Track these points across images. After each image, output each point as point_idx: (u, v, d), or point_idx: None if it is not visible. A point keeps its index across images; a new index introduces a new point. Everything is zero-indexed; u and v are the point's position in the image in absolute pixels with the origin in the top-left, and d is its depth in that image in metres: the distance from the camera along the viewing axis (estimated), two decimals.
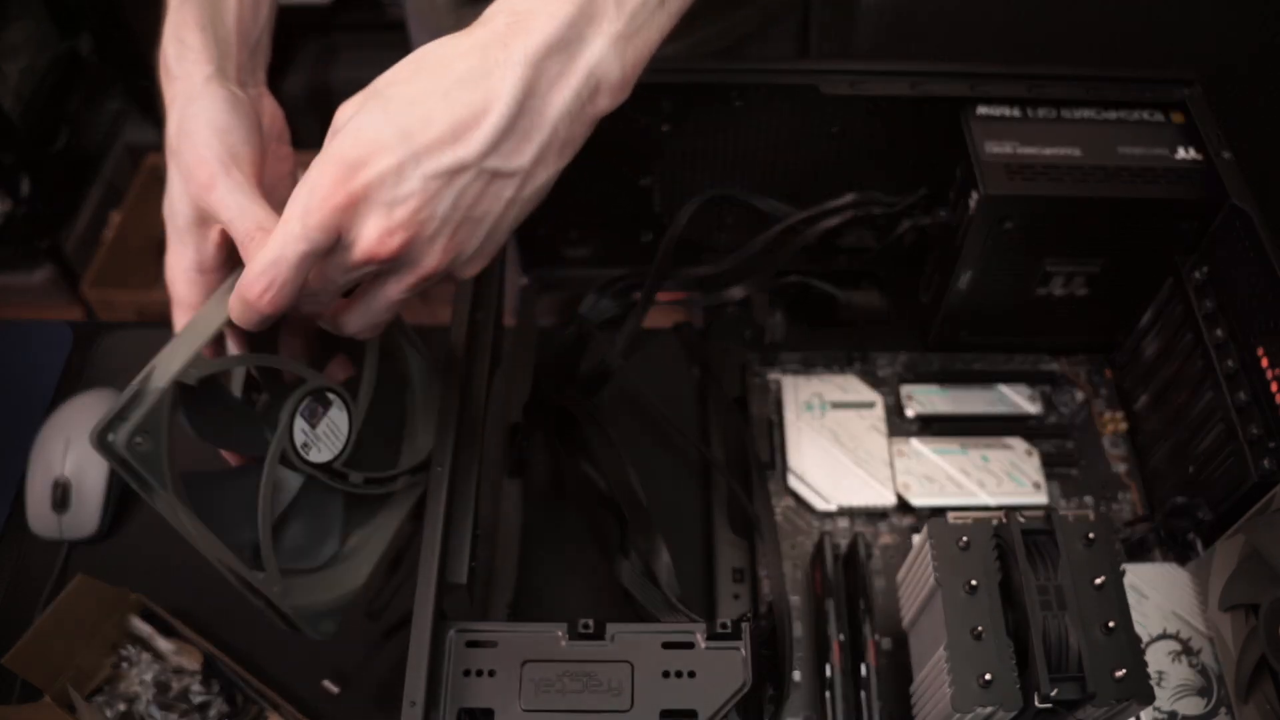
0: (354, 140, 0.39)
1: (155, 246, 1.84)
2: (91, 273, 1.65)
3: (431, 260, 0.41)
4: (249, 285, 0.40)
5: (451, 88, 0.38)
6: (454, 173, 0.39)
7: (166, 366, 0.42)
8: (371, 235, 0.39)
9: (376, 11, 1.59)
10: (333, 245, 0.39)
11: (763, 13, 0.77)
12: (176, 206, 0.46)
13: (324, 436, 0.48)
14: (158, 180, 2.03)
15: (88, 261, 1.68)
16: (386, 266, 0.41)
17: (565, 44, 0.39)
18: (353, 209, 0.39)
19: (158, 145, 2.07)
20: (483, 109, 0.38)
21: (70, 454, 0.67)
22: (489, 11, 0.40)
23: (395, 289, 0.42)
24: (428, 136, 0.38)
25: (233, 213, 0.43)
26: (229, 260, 0.46)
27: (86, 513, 0.66)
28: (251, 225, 0.42)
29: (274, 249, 0.39)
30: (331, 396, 0.48)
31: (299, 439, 0.47)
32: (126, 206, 1.75)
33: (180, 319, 0.46)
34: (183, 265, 0.46)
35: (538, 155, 0.40)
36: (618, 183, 0.68)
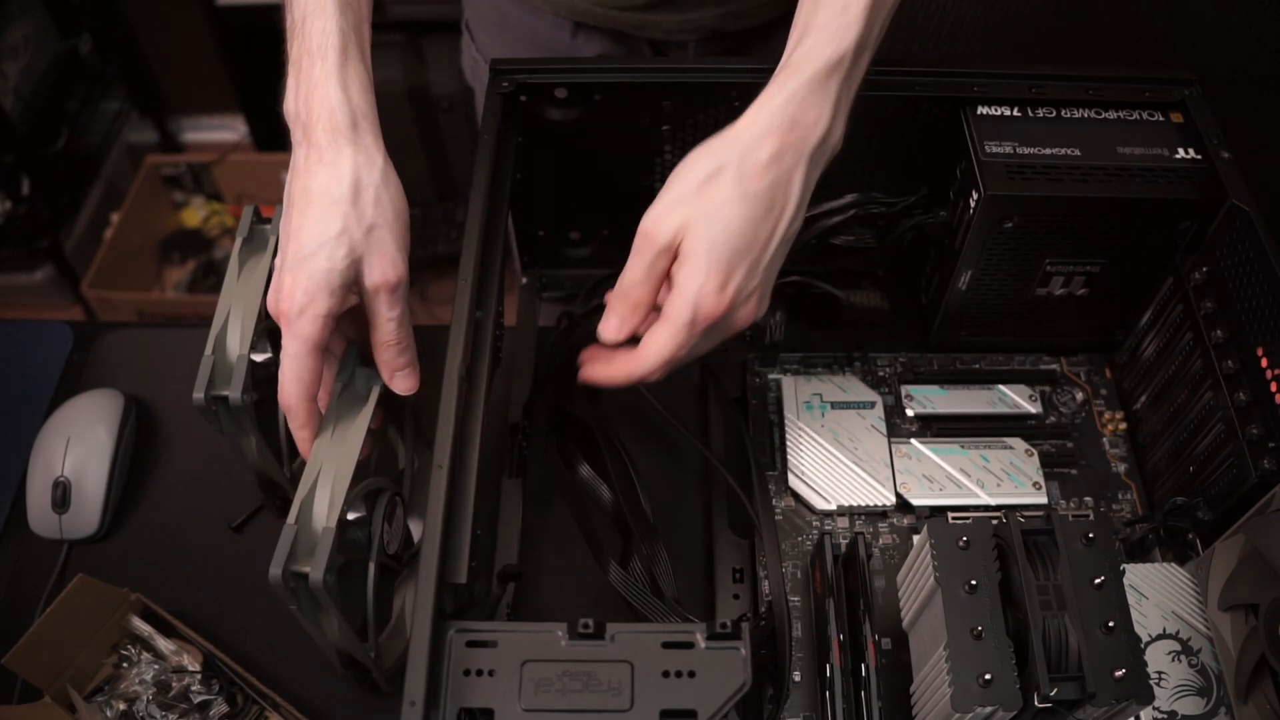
0: (719, 264, 0.48)
1: (155, 246, 1.84)
2: (91, 273, 1.65)
3: (747, 327, 0.53)
4: (647, 369, 0.51)
5: (760, 210, 0.49)
6: (776, 258, 0.51)
7: (323, 508, 0.48)
8: (733, 326, 0.51)
9: (377, 12, 1.59)
10: None
11: (766, 13, 0.77)
12: (338, 259, 0.50)
13: (395, 532, 0.54)
14: (157, 180, 2.03)
15: (88, 261, 1.68)
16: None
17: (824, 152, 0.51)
18: (722, 318, 0.50)
19: (158, 145, 2.08)
20: (779, 217, 0.50)
21: (70, 454, 0.67)
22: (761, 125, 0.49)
23: (707, 350, 0.53)
24: (763, 245, 0.50)
25: (398, 315, 0.52)
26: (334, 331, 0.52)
27: (86, 513, 0.66)
28: (403, 335, 0.52)
29: (669, 348, 0.50)
30: (397, 499, 0.55)
31: (386, 539, 0.53)
32: (126, 206, 1.75)
33: (291, 347, 0.50)
34: (321, 311, 0.50)
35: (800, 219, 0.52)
36: (618, 183, 0.68)
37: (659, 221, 0.49)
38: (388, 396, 0.55)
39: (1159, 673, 0.53)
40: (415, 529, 0.59)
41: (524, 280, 0.76)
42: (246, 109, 1.81)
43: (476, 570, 0.49)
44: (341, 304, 0.50)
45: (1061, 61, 0.62)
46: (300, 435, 0.51)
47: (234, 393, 0.52)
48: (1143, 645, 0.52)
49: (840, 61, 0.50)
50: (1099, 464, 0.66)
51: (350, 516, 0.51)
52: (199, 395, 0.52)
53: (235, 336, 0.54)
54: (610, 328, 0.52)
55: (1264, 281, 0.54)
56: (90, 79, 1.75)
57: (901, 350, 0.70)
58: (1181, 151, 0.59)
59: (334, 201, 0.50)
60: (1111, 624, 0.45)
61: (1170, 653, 0.54)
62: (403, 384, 0.54)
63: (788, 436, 0.65)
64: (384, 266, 0.51)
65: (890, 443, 0.64)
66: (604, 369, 0.54)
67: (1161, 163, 0.59)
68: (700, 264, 0.48)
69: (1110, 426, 0.67)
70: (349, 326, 0.55)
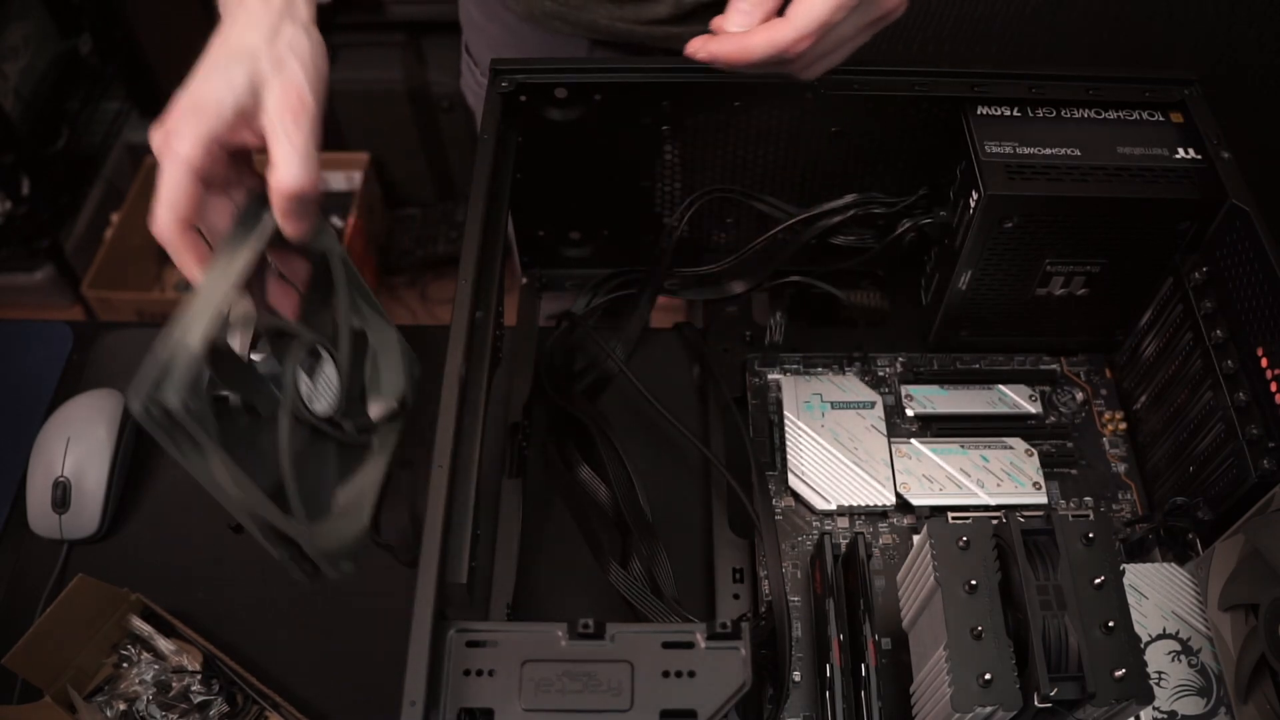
0: None
1: (155, 246, 1.84)
2: (91, 273, 1.65)
3: (902, 10, 0.51)
4: (797, 34, 0.47)
5: None
6: None
7: (196, 328, 0.43)
8: (886, 2, 0.49)
9: (376, 12, 1.59)
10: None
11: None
12: (235, 77, 0.46)
13: (321, 390, 0.49)
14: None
15: (88, 261, 1.68)
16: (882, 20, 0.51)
17: None
18: None
19: None
20: None
21: (70, 454, 0.67)
22: None
23: (864, 37, 0.51)
24: None
25: (302, 152, 0.46)
26: (222, 170, 0.47)
27: (86, 513, 0.66)
28: (304, 175, 0.46)
29: (820, 13, 0.47)
30: (322, 351, 0.49)
31: (304, 392, 0.48)
32: (126, 206, 1.75)
33: (165, 171, 0.45)
34: (201, 130, 0.45)
35: None
36: (618, 183, 0.68)
37: None
38: (313, 252, 0.50)
39: (1159, 673, 0.53)
40: (378, 404, 0.55)
41: (524, 280, 0.76)
42: None
43: (476, 570, 0.49)
44: (230, 131, 0.46)
45: (1061, 61, 0.62)
46: (180, 263, 0.47)
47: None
48: (1143, 645, 0.52)
49: None
50: (1099, 464, 0.66)
51: (257, 359, 0.47)
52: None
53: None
54: (741, 10, 0.48)
55: (1264, 281, 0.54)
56: (90, 79, 1.75)
57: (901, 350, 0.70)
58: (1181, 151, 0.59)
59: (246, 38, 0.47)
60: (1111, 624, 0.45)
61: (1170, 653, 0.54)
62: (291, 227, 0.48)
63: (788, 436, 0.65)
64: (288, 93, 0.46)
65: (890, 443, 0.64)
66: (738, 41, 0.48)
67: (1161, 163, 0.59)
68: None
69: (1110, 426, 0.67)
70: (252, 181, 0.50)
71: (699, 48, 0.49)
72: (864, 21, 0.50)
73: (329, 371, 0.50)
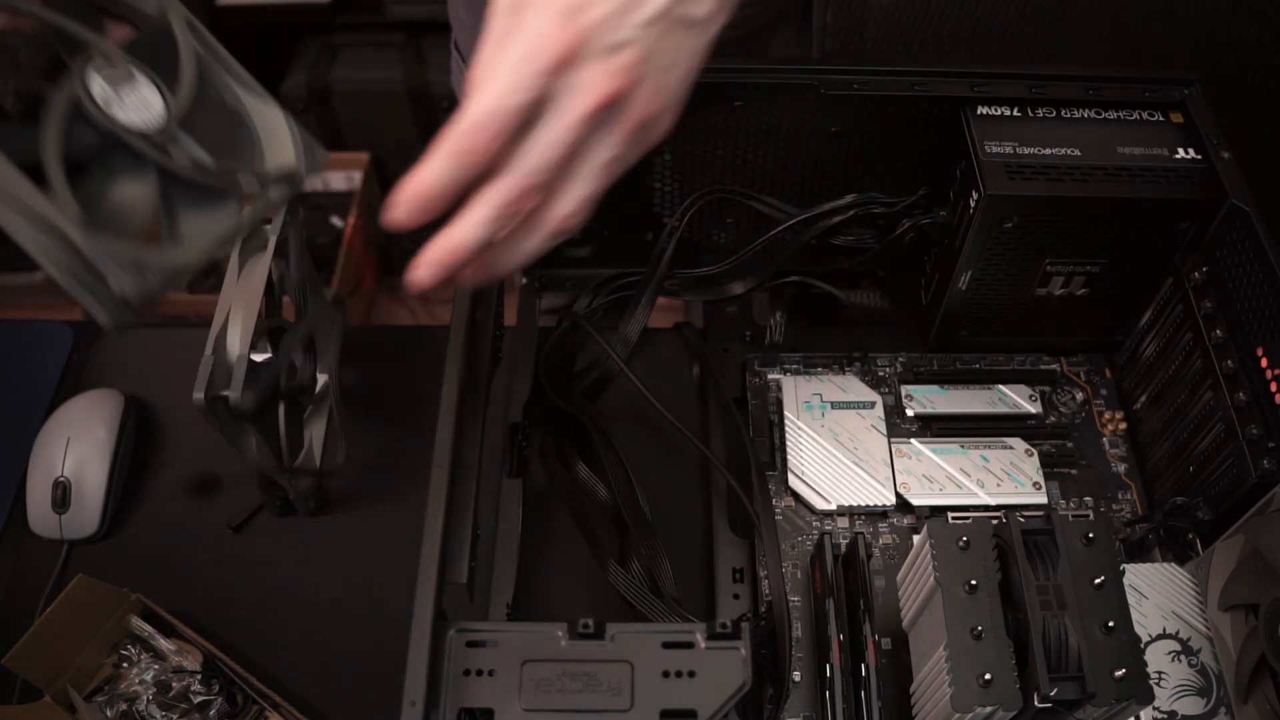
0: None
1: None
2: None
3: (640, 108, 0.41)
4: (460, 139, 0.39)
5: None
6: (659, 18, 0.40)
7: None
8: (594, 81, 0.39)
9: (376, 12, 1.59)
10: (542, 105, 0.39)
11: (769, 11, 0.78)
12: None
13: (131, 104, 0.44)
14: None
15: None
16: (598, 121, 0.41)
17: None
18: (573, 56, 0.38)
19: None
20: None
21: (70, 454, 0.67)
22: None
23: (606, 146, 0.42)
24: None
25: None
26: None
27: (86, 513, 0.66)
28: None
29: (489, 100, 0.38)
30: (139, 74, 0.44)
31: (96, 92, 0.42)
32: None
33: None
34: None
35: (716, 6, 0.42)
36: (618, 182, 0.68)
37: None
38: (143, 14, 0.45)
39: (1159, 673, 0.53)
40: (262, 170, 0.48)
41: (524, 280, 0.76)
42: None
43: (476, 570, 0.49)
44: None
45: (1061, 61, 0.62)
46: None
47: (234, 393, 0.52)
48: (1143, 645, 0.52)
49: None
50: (1099, 464, 0.66)
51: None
52: (199, 395, 0.52)
53: (235, 336, 0.54)
54: (429, 171, 0.42)
55: (1264, 281, 0.54)
56: None
57: (901, 350, 0.70)
58: (1181, 151, 0.59)
59: None
60: (1111, 624, 0.45)
61: (1170, 653, 0.54)
62: None
63: (788, 436, 0.65)
64: None
65: (890, 443, 0.64)
66: (439, 242, 0.42)
67: (1161, 163, 0.59)
68: (539, 4, 0.38)
69: (1110, 426, 0.67)
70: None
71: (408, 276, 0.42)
72: (616, 149, 0.42)
73: (147, 94, 0.44)
